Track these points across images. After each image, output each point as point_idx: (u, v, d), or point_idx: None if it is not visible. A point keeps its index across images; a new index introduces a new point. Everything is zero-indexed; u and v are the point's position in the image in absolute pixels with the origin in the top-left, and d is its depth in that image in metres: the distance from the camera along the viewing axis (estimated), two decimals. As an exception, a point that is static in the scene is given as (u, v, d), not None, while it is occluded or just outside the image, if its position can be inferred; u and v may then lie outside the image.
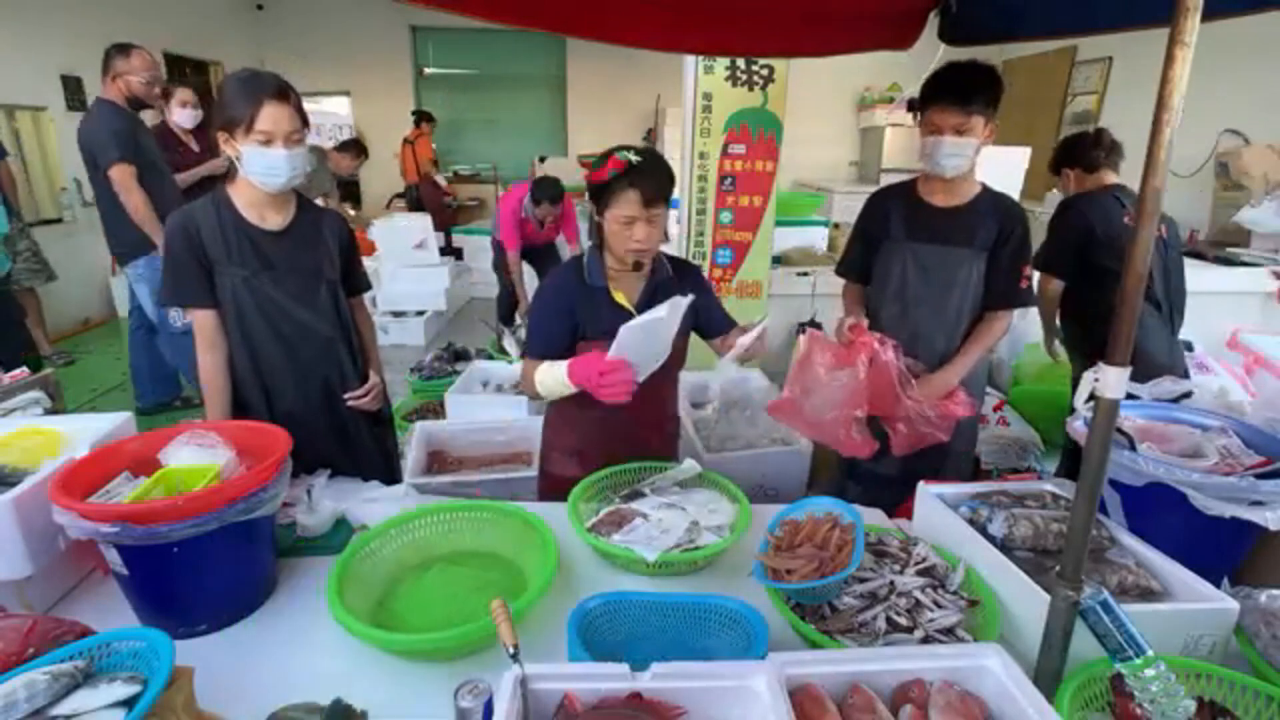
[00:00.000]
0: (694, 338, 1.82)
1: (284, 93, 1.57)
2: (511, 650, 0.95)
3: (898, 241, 2.02)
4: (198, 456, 1.32)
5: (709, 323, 1.80)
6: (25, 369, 1.88)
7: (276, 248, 1.68)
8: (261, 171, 1.58)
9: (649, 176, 1.51)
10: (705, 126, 3.17)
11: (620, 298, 1.64)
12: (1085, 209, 2.55)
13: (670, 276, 1.72)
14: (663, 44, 2.05)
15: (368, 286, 1.94)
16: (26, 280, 4.49)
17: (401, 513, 1.45)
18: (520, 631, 1.00)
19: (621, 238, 1.55)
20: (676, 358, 1.76)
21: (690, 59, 3.15)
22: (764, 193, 3.30)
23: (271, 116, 1.54)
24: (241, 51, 7.91)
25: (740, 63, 3.11)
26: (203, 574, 1.20)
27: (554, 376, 1.55)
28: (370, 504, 1.57)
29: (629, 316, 1.58)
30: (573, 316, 1.64)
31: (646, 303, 1.66)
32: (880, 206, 2.09)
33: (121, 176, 3.27)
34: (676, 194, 4.15)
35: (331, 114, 8.78)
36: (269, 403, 1.74)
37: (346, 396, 1.81)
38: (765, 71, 3.14)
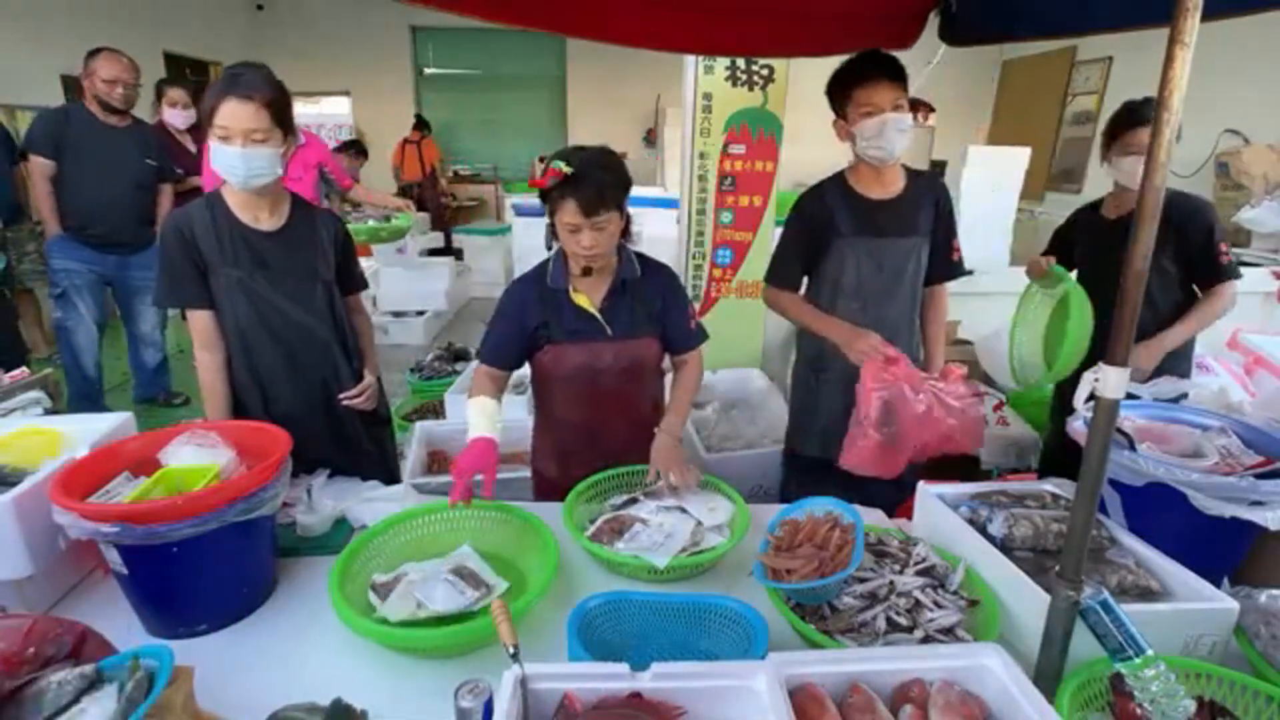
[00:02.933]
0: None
1: (251, 91, 1.52)
2: (511, 650, 0.95)
3: (848, 238, 1.95)
4: (198, 456, 1.33)
5: (671, 333, 1.73)
6: (25, 369, 1.89)
7: (271, 248, 1.68)
8: (220, 167, 1.57)
9: (586, 187, 1.47)
10: (705, 126, 3.17)
11: (582, 300, 1.63)
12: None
13: (637, 277, 1.67)
14: (662, 44, 2.04)
15: (364, 285, 1.94)
16: (30, 281, 4.48)
17: (403, 511, 1.45)
18: (520, 631, 1.00)
19: (570, 243, 1.55)
20: (648, 367, 1.73)
21: (690, 59, 3.14)
22: (764, 193, 3.30)
23: (230, 113, 1.51)
24: (241, 51, 7.89)
25: (740, 63, 3.11)
26: (203, 574, 1.20)
27: (470, 421, 1.53)
28: (370, 504, 1.56)
29: (592, 319, 1.62)
30: (530, 321, 1.64)
31: (610, 304, 1.65)
32: (820, 206, 1.98)
33: (30, 168, 3.52)
34: (676, 194, 4.08)
35: (331, 114, 8.77)
36: (265, 403, 1.74)
37: (341, 396, 1.81)
38: (765, 71, 3.13)
